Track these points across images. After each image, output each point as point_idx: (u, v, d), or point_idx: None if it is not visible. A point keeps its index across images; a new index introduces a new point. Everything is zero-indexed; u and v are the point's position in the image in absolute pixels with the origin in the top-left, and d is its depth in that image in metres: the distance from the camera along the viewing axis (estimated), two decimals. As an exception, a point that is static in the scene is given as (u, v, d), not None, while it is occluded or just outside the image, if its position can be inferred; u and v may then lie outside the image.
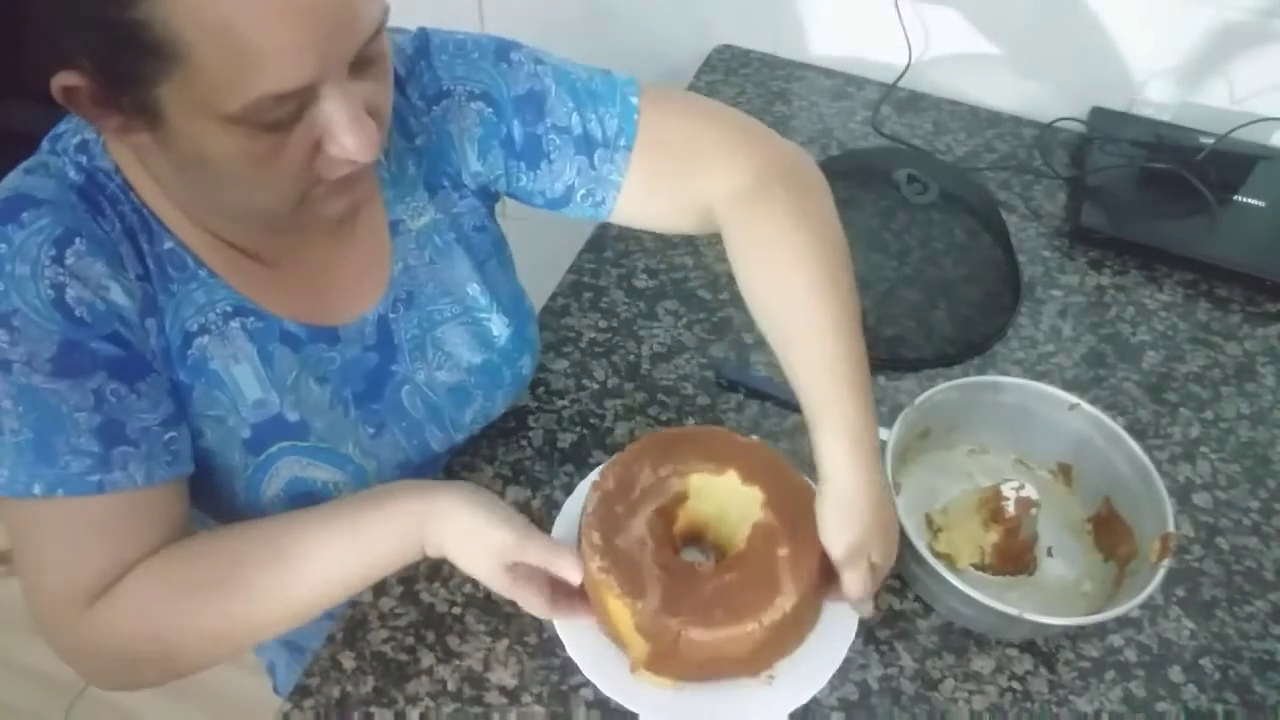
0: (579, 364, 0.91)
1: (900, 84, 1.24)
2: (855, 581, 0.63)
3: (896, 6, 1.17)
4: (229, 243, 0.66)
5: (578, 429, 0.86)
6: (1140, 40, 1.12)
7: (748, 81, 1.26)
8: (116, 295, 0.60)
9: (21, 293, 0.57)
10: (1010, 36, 1.17)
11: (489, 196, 0.79)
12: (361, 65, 0.56)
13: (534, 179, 0.74)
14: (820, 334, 0.66)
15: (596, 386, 0.89)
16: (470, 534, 0.63)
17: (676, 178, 0.73)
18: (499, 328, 0.78)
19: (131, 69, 0.51)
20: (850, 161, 1.08)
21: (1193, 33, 1.08)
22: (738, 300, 0.97)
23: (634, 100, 0.72)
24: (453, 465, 0.83)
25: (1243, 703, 0.71)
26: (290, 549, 0.63)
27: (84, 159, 0.62)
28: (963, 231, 1.00)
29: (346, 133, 0.55)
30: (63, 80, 0.53)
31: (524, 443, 0.85)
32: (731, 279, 0.99)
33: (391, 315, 0.74)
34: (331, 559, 0.63)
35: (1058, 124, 1.18)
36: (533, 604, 0.65)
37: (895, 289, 0.97)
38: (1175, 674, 0.72)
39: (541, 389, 0.89)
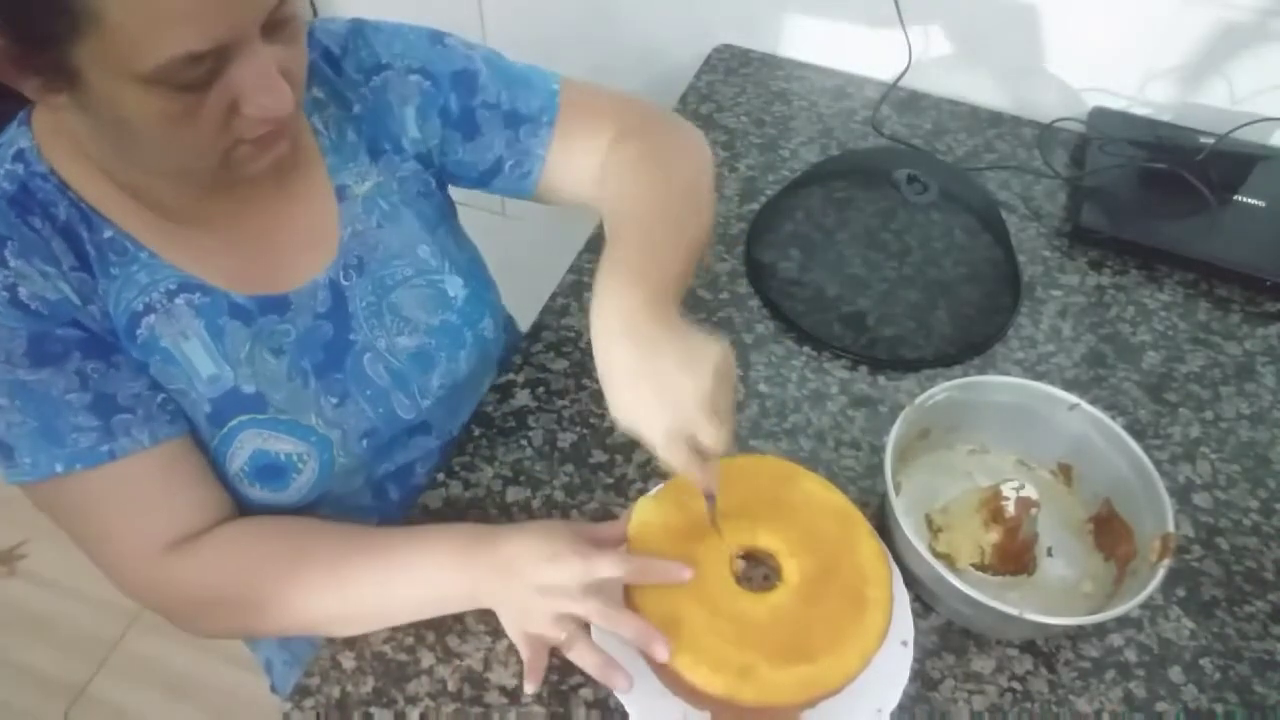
0: (579, 364, 0.91)
1: (900, 84, 1.24)
2: (673, 456, 0.61)
3: (896, 6, 1.17)
4: (165, 209, 0.67)
5: (578, 429, 0.86)
6: (1140, 40, 1.11)
7: (748, 81, 1.26)
8: (59, 286, 0.63)
9: None
10: (1010, 36, 1.17)
11: (430, 165, 0.81)
12: (274, 27, 0.57)
13: (469, 150, 0.79)
14: (638, 224, 0.71)
15: (596, 386, 0.88)
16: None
17: (586, 138, 0.79)
18: (454, 288, 0.80)
19: (46, 29, 0.52)
20: (850, 161, 1.08)
21: (1192, 33, 1.08)
22: (738, 300, 0.98)
23: (555, 86, 0.80)
24: (452, 465, 0.83)
25: (1243, 703, 0.71)
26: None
27: (20, 167, 0.63)
28: (963, 231, 1.00)
29: (260, 92, 0.57)
30: None
31: (524, 443, 0.85)
32: (731, 279, 1.00)
33: (345, 282, 0.75)
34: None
35: (1058, 124, 1.18)
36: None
37: (895, 289, 0.97)
38: (1175, 674, 0.72)
39: (541, 389, 0.89)
